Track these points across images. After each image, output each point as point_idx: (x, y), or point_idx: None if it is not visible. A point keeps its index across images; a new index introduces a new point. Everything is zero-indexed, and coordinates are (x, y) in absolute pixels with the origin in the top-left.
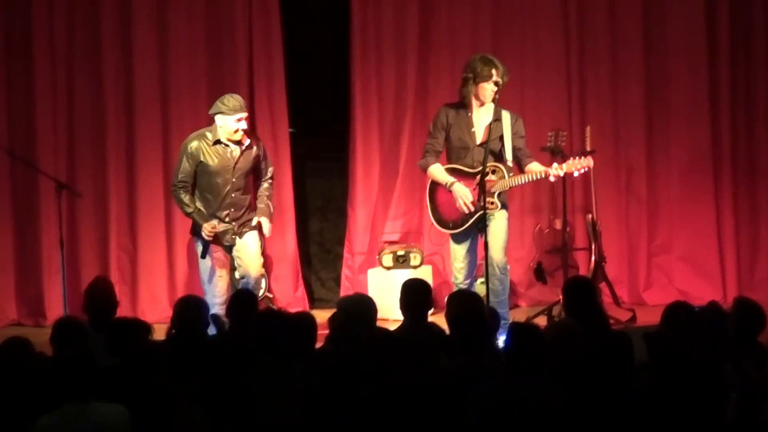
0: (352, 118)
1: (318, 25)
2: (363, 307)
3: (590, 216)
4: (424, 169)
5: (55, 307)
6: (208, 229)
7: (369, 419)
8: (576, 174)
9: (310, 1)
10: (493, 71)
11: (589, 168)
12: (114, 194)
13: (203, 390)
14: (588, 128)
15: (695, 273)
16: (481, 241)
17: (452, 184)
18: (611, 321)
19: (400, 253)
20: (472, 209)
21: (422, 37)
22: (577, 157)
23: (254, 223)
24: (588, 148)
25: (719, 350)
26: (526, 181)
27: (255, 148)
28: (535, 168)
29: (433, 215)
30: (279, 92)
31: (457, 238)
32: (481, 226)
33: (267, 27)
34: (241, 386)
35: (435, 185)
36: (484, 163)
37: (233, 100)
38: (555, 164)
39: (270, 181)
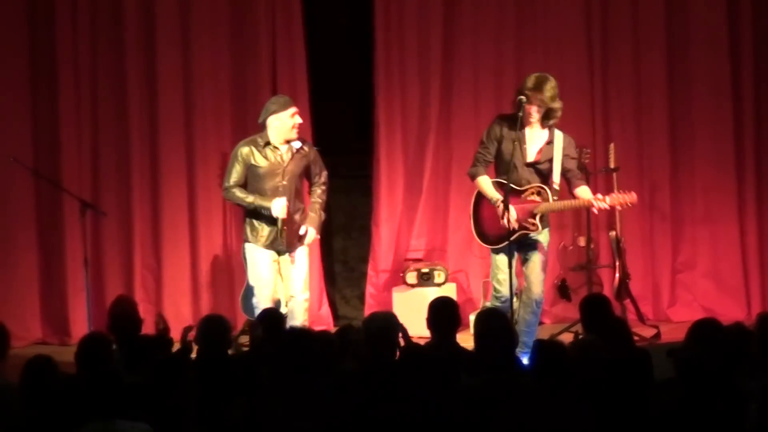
0: (375, 136)
1: (341, 44)
2: (389, 325)
3: (614, 233)
4: (473, 178)
5: (80, 326)
6: (278, 206)
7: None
8: (618, 208)
9: (333, 20)
10: (532, 93)
11: (633, 203)
12: (138, 213)
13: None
14: (612, 145)
15: (720, 290)
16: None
17: (500, 201)
18: (636, 338)
19: (425, 270)
20: (516, 227)
21: (445, 56)
22: (622, 193)
23: (302, 231)
24: (612, 165)
25: (744, 367)
26: (569, 207)
27: (309, 149)
28: (582, 194)
29: (475, 227)
30: (303, 110)
31: (500, 251)
32: (520, 247)
33: (290, 47)
34: (263, 404)
35: (480, 198)
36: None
37: (281, 97)
38: (599, 195)
39: (323, 187)
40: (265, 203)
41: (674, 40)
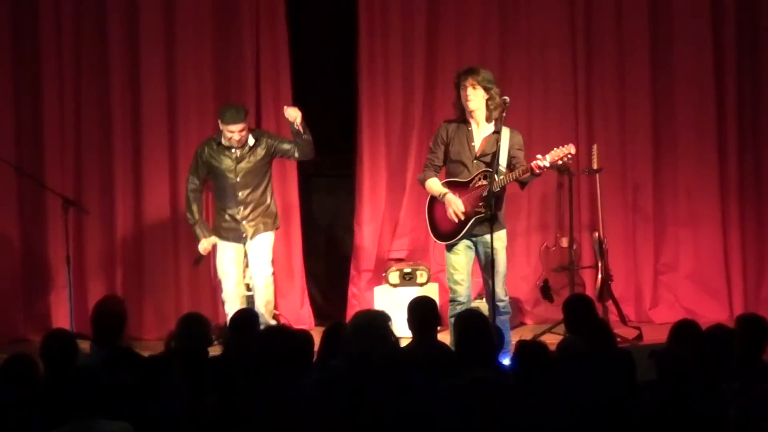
0: (358, 135)
1: (325, 43)
2: (376, 323)
3: (597, 234)
4: (422, 183)
5: (62, 323)
6: (203, 246)
7: None
8: (560, 162)
9: (317, 19)
10: (468, 78)
11: (571, 155)
12: (121, 211)
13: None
14: (595, 147)
15: (702, 291)
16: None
17: (444, 194)
18: (618, 339)
19: (407, 270)
20: (462, 218)
21: (429, 55)
22: (559, 147)
23: (291, 118)
24: (595, 167)
25: (726, 367)
26: (513, 178)
27: (261, 140)
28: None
29: (431, 227)
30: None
31: (456, 251)
32: (477, 240)
33: (274, 45)
34: (244, 401)
35: (433, 200)
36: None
37: (228, 112)
38: (538, 155)
39: (290, 148)
40: (197, 235)
41: (657, 42)
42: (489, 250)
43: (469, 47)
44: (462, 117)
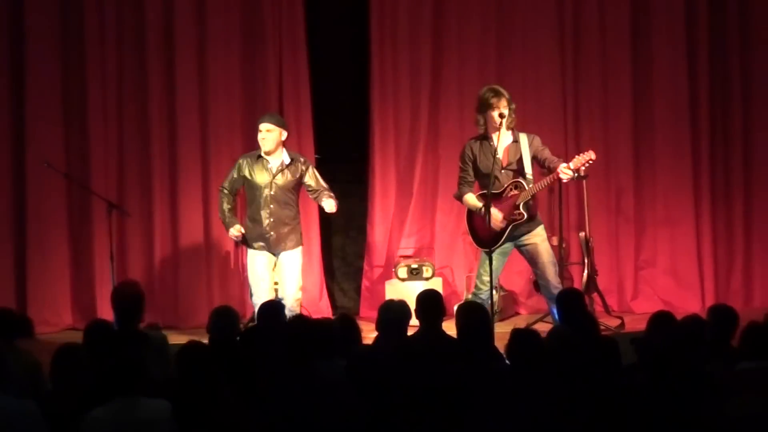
0: (371, 146)
1: (341, 65)
2: (402, 312)
3: (583, 234)
4: (460, 199)
5: (107, 314)
6: (232, 234)
7: (388, 415)
8: (583, 169)
9: (334, 46)
10: (493, 100)
11: (592, 160)
12: (158, 213)
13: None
14: (575, 156)
15: (677, 284)
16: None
17: (481, 209)
18: (602, 327)
19: (414, 266)
20: (503, 226)
21: (434, 76)
22: (580, 155)
23: (327, 208)
24: (582, 174)
25: (700, 353)
26: (543, 186)
27: (298, 165)
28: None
29: (473, 236)
30: (306, 124)
31: (497, 258)
32: (518, 241)
33: (295, 68)
34: (270, 386)
35: (471, 212)
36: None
37: (265, 115)
38: (563, 164)
39: (317, 189)
40: (225, 225)
41: (638, 61)
42: (529, 247)
43: (469, 70)
44: (484, 134)
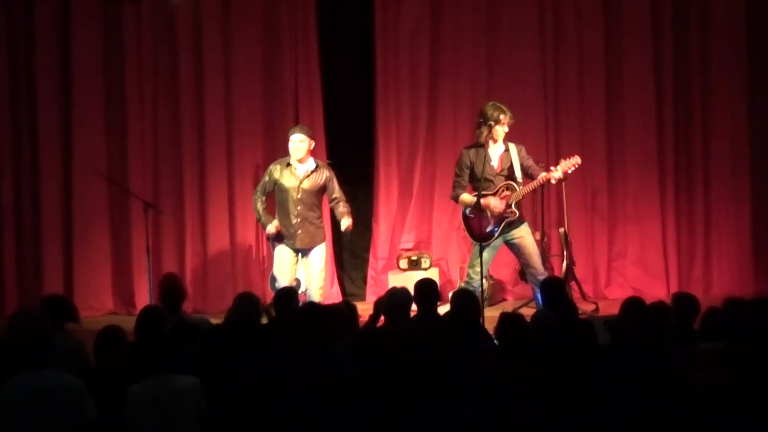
0: (375, 152)
1: (350, 80)
2: (404, 298)
3: (563, 229)
4: (456, 200)
5: (143, 300)
6: (269, 230)
7: (390, 388)
8: (570, 171)
9: (343, 64)
10: (502, 117)
11: (578, 164)
12: (189, 211)
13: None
14: (561, 160)
15: (646, 274)
16: (500, 250)
17: (478, 199)
18: (579, 312)
19: (414, 257)
20: (502, 208)
21: (431, 92)
22: (566, 159)
23: (343, 227)
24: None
25: (666, 334)
26: (533, 187)
27: (323, 171)
28: (540, 176)
29: (471, 234)
30: (318, 132)
31: (486, 250)
32: (506, 237)
33: (310, 83)
34: (285, 364)
35: (466, 214)
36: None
37: (297, 126)
38: (551, 167)
39: (335, 199)
40: (264, 221)
41: (610, 79)
42: (517, 241)
43: (462, 86)
44: (479, 143)
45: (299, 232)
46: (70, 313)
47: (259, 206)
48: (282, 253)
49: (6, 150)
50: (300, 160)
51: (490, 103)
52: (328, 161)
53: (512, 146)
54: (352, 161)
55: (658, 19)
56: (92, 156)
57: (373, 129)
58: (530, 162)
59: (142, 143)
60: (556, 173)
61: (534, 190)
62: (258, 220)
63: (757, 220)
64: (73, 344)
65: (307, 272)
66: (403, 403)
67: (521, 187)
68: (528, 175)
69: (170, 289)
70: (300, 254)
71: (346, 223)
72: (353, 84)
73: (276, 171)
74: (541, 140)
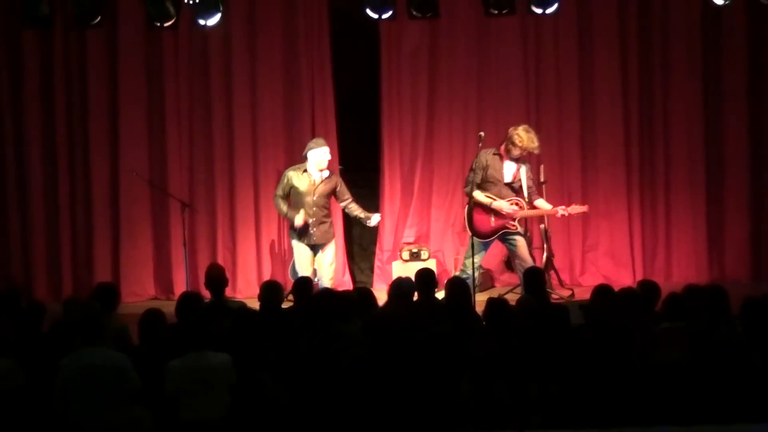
0: (381, 159)
1: (358, 97)
2: (409, 286)
3: (543, 225)
4: (469, 194)
5: (180, 287)
6: (297, 222)
7: (394, 362)
8: (575, 214)
9: (353, 81)
10: (530, 145)
11: (586, 212)
12: (220, 210)
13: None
14: (542, 166)
15: (614, 264)
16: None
17: (492, 202)
18: (557, 297)
19: (414, 250)
20: (512, 212)
21: (429, 106)
22: (578, 204)
23: (373, 223)
24: (542, 179)
25: (632, 316)
26: (539, 214)
27: (334, 178)
28: (543, 206)
29: (470, 229)
30: (332, 143)
31: (481, 246)
32: (505, 244)
33: (324, 99)
34: (307, 342)
35: (471, 210)
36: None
37: (320, 139)
38: (562, 206)
39: (348, 200)
40: (291, 215)
41: (584, 96)
42: (512, 240)
43: (456, 108)
44: (497, 151)
45: (314, 230)
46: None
47: (283, 206)
48: (301, 250)
49: (63, 159)
50: (323, 169)
51: (524, 126)
52: (340, 167)
53: (524, 167)
54: (360, 167)
55: (624, 53)
56: (136, 162)
57: (379, 139)
58: (531, 183)
59: (179, 151)
60: (564, 212)
61: (516, 190)
62: (284, 216)
63: (710, 217)
64: (118, 326)
65: (319, 266)
66: (405, 374)
67: (526, 208)
68: (527, 193)
69: (215, 277)
70: (314, 249)
71: (377, 218)
72: (362, 100)
73: (294, 177)
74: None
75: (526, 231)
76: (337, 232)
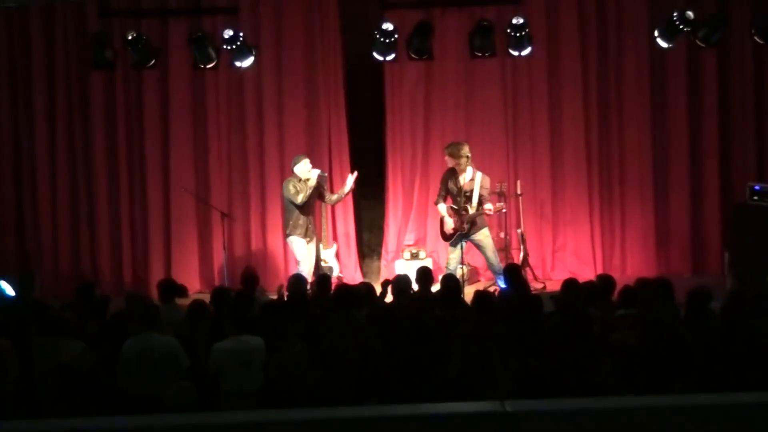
0: (385, 175)
1: (368, 124)
2: (407, 282)
3: (520, 230)
4: (436, 205)
5: (221, 282)
6: (314, 173)
7: (397, 345)
8: (497, 212)
9: (363, 111)
10: (461, 152)
11: (501, 211)
12: (253, 219)
13: (303, 330)
14: (518, 181)
15: (579, 261)
16: (469, 246)
17: (444, 217)
18: (532, 289)
19: (414, 251)
20: (452, 229)
21: (425, 133)
22: (494, 204)
23: (350, 182)
24: (518, 192)
25: (594, 304)
26: (478, 214)
27: (316, 185)
28: (487, 208)
29: (441, 234)
30: (345, 162)
31: (453, 247)
32: (467, 239)
33: (339, 126)
34: (326, 326)
35: (441, 219)
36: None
37: (302, 156)
38: (488, 204)
39: (329, 193)
40: (308, 192)
41: (553, 119)
42: (477, 241)
43: (447, 131)
44: (455, 170)
45: (311, 227)
46: (180, 291)
47: (300, 197)
48: (299, 245)
49: (124, 178)
50: (322, 178)
51: (456, 143)
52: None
53: (479, 174)
54: (369, 182)
55: (587, 89)
56: (184, 180)
57: (384, 159)
58: (485, 193)
59: (219, 170)
60: (490, 210)
61: (498, 197)
62: (304, 196)
63: (658, 221)
64: (180, 314)
65: (310, 258)
66: (406, 356)
67: (472, 210)
68: (479, 202)
69: (249, 276)
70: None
71: (351, 177)
72: (370, 127)
73: (296, 183)
74: (503, 165)
75: (506, 235)
76: (349, 234)
